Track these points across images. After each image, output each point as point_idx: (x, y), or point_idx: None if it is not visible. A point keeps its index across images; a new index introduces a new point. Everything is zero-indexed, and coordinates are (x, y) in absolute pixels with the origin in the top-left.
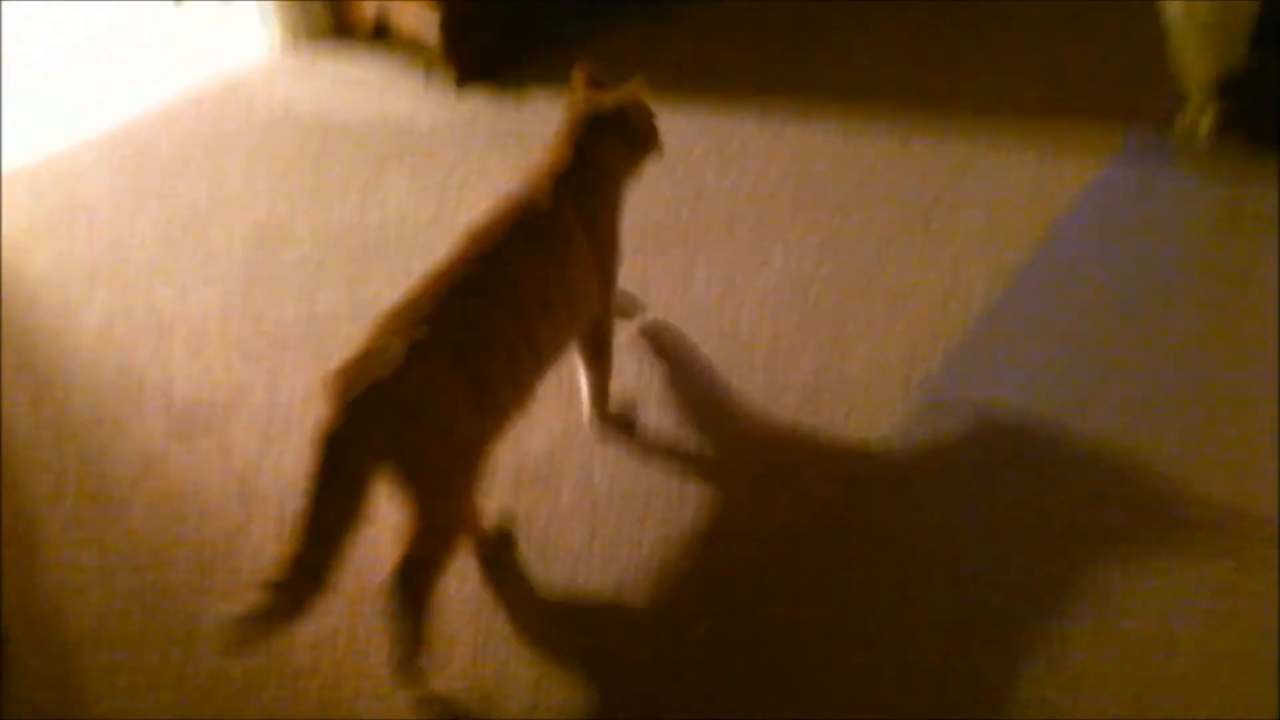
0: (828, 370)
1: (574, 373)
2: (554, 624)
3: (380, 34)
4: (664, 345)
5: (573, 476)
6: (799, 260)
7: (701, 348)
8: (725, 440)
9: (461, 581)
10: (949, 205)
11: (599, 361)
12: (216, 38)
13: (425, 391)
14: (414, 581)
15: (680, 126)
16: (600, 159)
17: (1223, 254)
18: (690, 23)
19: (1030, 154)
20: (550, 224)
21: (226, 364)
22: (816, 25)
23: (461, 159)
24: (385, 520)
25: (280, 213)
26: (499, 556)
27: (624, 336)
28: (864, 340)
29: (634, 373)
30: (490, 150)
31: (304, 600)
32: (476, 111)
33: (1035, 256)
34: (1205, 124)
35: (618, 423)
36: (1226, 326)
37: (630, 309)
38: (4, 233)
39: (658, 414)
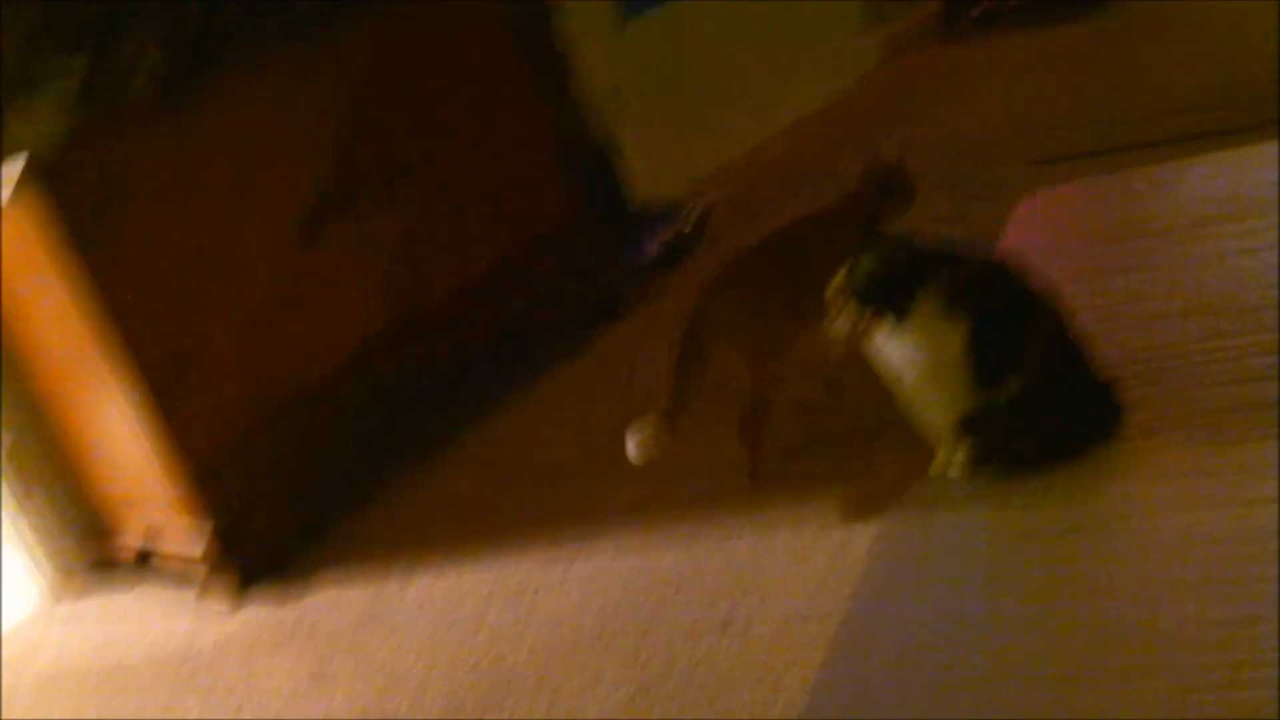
0: None
1: None
2: None
3: (149, 559)
4: None
5: None
6: (614, 697)
7: None
8: None
9: None
10: (750, 603)
11: None
12: None
13: (734, 303)
14: (748, 418)
15: (468, 577)
16: (867, 205)
17: (1015, 584)
18: (467, 459)
19: (808, 531)
20: (813, 234)
21: None
22: (588, 453)
23: (251, 672)
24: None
25: None
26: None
27: None
28: None
29: None
30: (281, 656)
31: (678, 420)
32: (262, 616)
33: (842, 633)
34: (958, 463)
35: None
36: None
37: None
38: None
39: None
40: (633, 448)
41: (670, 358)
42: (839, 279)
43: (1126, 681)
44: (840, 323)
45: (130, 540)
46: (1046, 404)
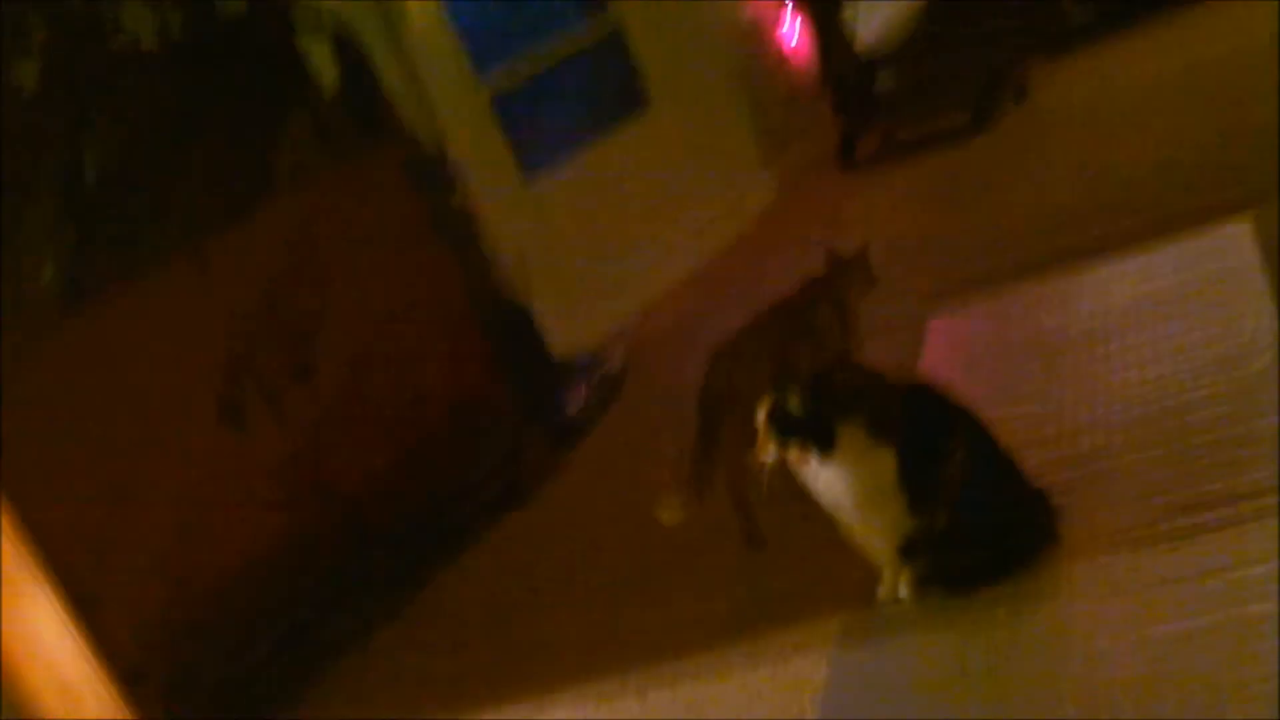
0: None
1: None
2: None
3: None
4: None
5: None
6: None
7: None
8: None
9: None
10: None
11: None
12: None
13: (735, 370)
14: (737, 486)
15: None
16: (838, 285)
17: (973, 704)
18: (401, 637)
19: (761, 669)
20: (799, 308)
21: None
22: (531, 606)
23: None
24: None
25: None
26: None
27: None
28: None
29: None
30: None
31: (702, 491)
32: None
33: None
34: (902, 589)
35: None
36: None
37: None
38: None
39: None
40: (664, 515)
41: (696, 437)
42: (764, 412)
43: None
44: (768, 455)
45: None
46: (983, 519)
